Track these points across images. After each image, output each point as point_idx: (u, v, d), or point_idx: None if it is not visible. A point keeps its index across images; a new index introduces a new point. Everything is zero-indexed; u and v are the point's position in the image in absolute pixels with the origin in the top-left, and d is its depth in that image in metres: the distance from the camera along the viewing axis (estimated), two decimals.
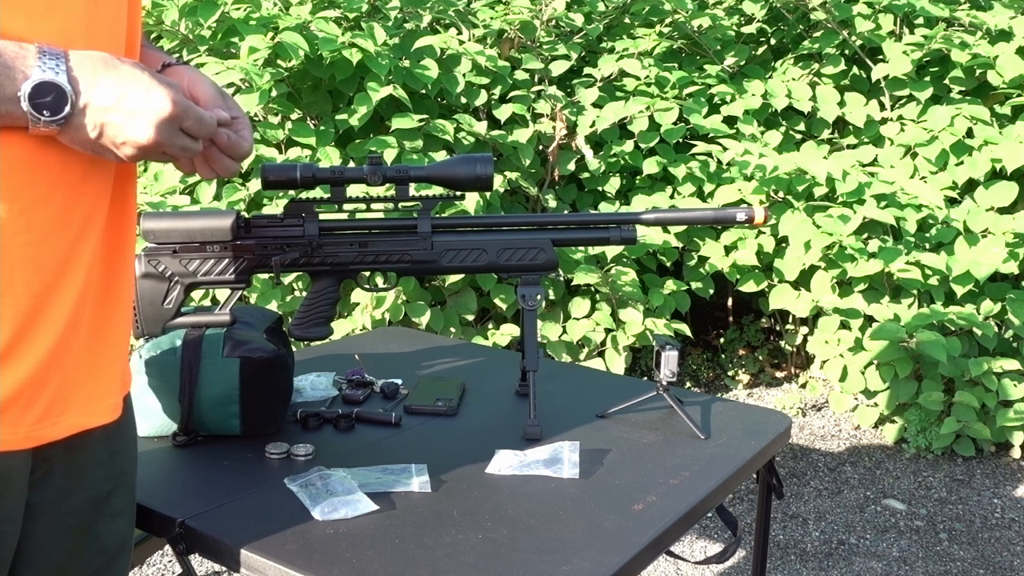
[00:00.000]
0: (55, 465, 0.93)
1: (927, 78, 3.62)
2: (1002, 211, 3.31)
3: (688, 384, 3.78)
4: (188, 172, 1.01)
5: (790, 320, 3.77)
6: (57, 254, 0.85)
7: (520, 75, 3.43)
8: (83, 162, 0.86)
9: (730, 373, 3.85)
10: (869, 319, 3.23)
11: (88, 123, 0.80)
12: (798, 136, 3.75)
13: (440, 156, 3.08)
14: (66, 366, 0.89)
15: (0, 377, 0.83)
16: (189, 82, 0.99)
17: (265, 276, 2.83)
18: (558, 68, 3.51)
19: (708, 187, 3.49)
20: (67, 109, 0.78)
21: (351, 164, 3.04)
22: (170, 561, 2.47)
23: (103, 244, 0.92)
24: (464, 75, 3.22)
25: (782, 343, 3.84)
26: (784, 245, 3.33)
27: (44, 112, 0.77)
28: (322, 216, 1.38)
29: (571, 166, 3.48)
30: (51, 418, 0.88)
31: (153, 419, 1.39)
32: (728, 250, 3.40)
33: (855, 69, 3.81)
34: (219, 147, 0.98)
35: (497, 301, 3.18)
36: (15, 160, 0.80)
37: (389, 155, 2.98)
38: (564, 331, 3.21)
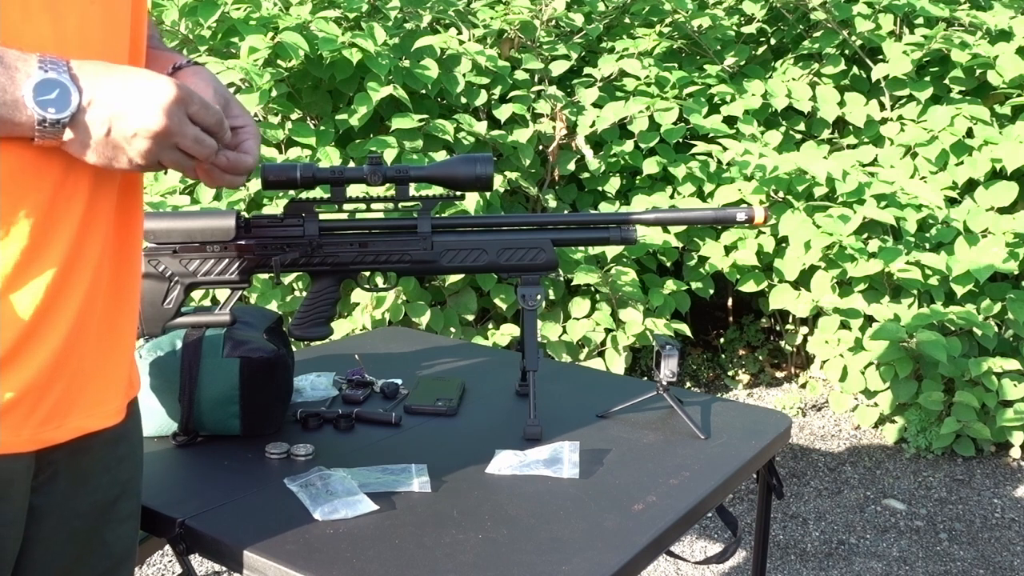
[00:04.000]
0: (60, 468, 0.93)
1: (927, 78, 3.62)
2: (1002, 211, 3.31)
3: (688, 384, 3.78)
4: (195, 178, 1.00)
5: (790, 320, 3.77)
6: (61, 256, 0.84)
7: (520, 75, 3.43)
8: (90, 165, 0.85)
9: (730, 373, 3.85)
10: (869, 319, 3.23)
11: (97, 119, 0.79)
12: (798, 136, 3.75)
13: (440, 156, 3.08)
14: (73, 368, 0.88)
15: (4, 380, 0.82)
16: (194, 87, 0.99)
17: (265, 276, 2.83)
18: (558, 68, 3.51)
19: (708, 187, 3.49)
20: (73, 105, 0.77)
21: (351, 164, 3.04)
22: (170, 561, 2.47)
23: (110, 245, 0.91)
24: (464, 75, 3.22)
25: (782, 343, 3.84)
26: (784, 245, 3.33)
27: (50, 110, 0.76)
28: (322, 216, 1.38)
29: (571, 166, 3.48)
30: (55, 421, 0.88)
31: (153, 419, 1.38)
32: (728, 250, 3.40)
33: (855, 69, 3.81)
34: (220, 167, 0.98)
35: (497, 301, 3.18)
36: (19, 162, 0.79)
37: (389, 155, 2.98)
38: (564, 331, 3.21)
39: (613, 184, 3.52)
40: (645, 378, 3.35)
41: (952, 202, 3.40)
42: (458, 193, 1.41)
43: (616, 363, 3.20)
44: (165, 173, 2.94)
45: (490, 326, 3.31)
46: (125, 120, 0.80)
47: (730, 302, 4.01)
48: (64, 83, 0.77)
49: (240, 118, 1.01)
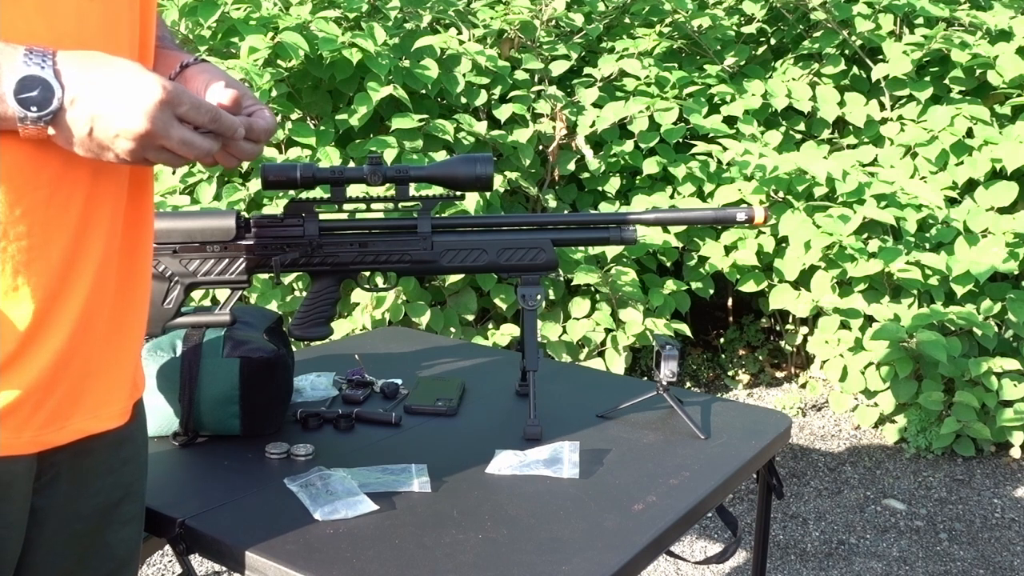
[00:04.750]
0: (62, 470, 0.92)
1: (927, 78, 3.62)
2: (1002, 211, 3.31)
3: (688, 384, 3.78)
4: (209, 165, 0.98)
5: (790, 320, 3.77)
6: (63, 256, 0.84)
7: (520, 75, 3.43)
8: (89, 162, 0.84)
9: (730, 373, 3.85)
10: (869, 319, 3.23)
11: (79, 118, 0.77)
12: (798, 136, 3.75)
13: (440, 156, 3.08)
14: (76, 369, 0.88)
15: (5, 381, 0.82)
16: (203, 84, 0.97)
17: (265, 276, 2.83)
18: (558, 68, 3.51)
19: (708, 187, 3.49)
20: (54, 104, 0.76)
21: (351, 164, 3.04)
22: (170, 561, 2.47)
23: (117, 244, 0.91)
24: (464, 75, 3.22)
25: (782, 343, 3.84)
26: (784, 245, 3.33)
27: (32, 108, 0.75)
28: (322, 216, 1.38)
29: (571, 166, 3.48)
30: (57, 423, 0.87)
31: (153, 419, 1.38)
32: (728, 250, 3.40)
33: (855, 69, 3.81)
34: (240, 153, 0.93)
35: (497, 301, 3.18)
36: (16, 161, 0.79)
37: (389, 155, 2.98)
38: (564, 331, 3.21)
39: (613, 184, 3.52)
40: (645, 378, 3.36)
41: (952, 202, 3.40)
42: (458, 193, 1.41)
43: (616, 363, 3.20)
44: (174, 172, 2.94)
45: (490, 326, 3.31)
46: (107, 121, 0.78)
47: (730, 302, 4.01)
48: (47, 80, 0.75)
49: (251, 101, 0.98)
